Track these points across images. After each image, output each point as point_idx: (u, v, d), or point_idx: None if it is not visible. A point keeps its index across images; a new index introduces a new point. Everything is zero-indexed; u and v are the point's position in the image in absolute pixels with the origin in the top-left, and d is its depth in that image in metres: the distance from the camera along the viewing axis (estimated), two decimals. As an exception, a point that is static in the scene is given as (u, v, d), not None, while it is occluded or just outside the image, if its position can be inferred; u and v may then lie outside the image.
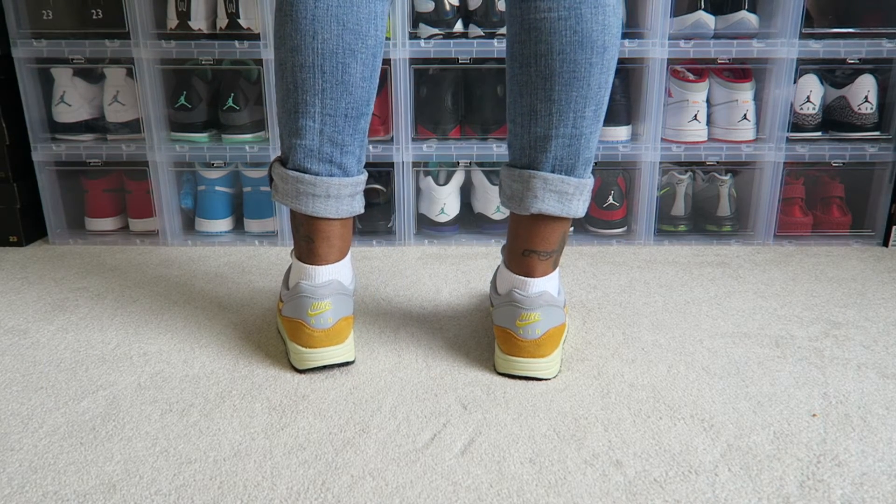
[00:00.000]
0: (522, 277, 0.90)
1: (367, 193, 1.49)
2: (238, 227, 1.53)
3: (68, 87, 1.44)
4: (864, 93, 1.41)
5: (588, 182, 0.90)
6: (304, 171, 0.90)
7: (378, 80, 0.93)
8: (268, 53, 1.38)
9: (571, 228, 1.50)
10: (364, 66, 0.88)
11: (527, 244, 0.90)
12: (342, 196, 0.91)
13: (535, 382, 0.89)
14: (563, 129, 0.86)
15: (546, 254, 0.90)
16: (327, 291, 0.91)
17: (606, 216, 1.48)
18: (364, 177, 0.95)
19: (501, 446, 0.76)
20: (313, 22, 0.84)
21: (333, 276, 0.92)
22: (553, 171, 0.87)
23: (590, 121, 0.86)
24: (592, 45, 0.83)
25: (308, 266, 0.92)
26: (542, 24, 0.83)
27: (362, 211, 0.95)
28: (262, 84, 1.40)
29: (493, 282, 0.98)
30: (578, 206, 0.90)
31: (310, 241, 0.92)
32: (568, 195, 0.88)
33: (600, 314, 1.11)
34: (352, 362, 0.94)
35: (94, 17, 1.41)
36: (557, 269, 0.93)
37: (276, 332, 1.04)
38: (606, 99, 0.87)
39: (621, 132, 1.45)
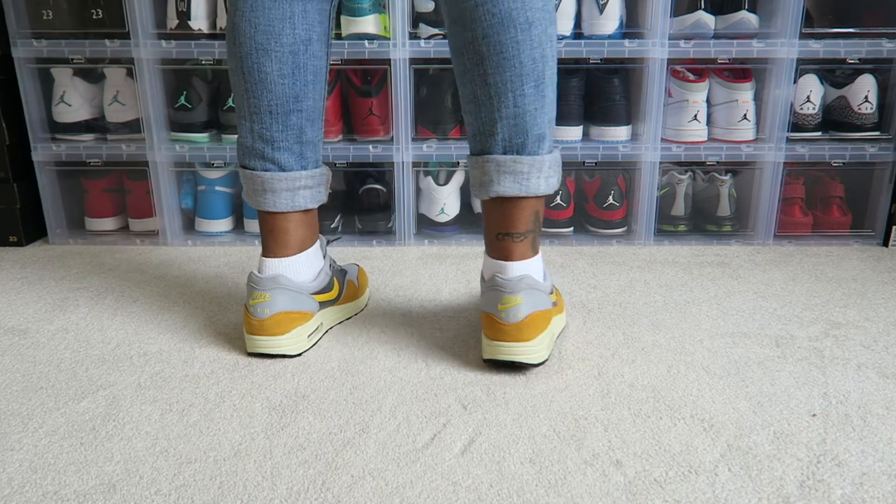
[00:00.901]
0: (501, 262, 0.92)
1: (368, 193, 1.49)
2: (238, 227, 1.53)
3: (68, 87, 1.44)
4: (864, 93, 1.41)
5: (545, 159, 0.90)
6: (245, 168, 0.98)
7: (308, 78, 0.95)
8: (268, 53, 1.38)
9: (571, 229, 1.50)
10: (281, 63, 0.93)
11: (499, 227, 0.92)
12: (278, 190, 0.96)
13: (535, 382, 0.89)
14: (505, 111, 0.87)
15: (519, 235, 0.91)
16: (269, 284, 0.96)
17: (606, 216, 1.48)
18: (307, 173, 0.98)
19: (501, 446, 0.76)
20: (233, 30, 0.93)
21: (280, 271, 0.98)
22: (504, 153, 0.89)
23: (531, 98, 0.87)
24: (514, 22, 0.84)
25: (261, 258, 0.99)
26: (464, 13, 0.86)
27: (309, 207, 0.99)
28: (262, 84, 1.40)
29: (482, 271, 0.99)
30: (539, 184, 0.90)
31: (263, 233, 1.00)
32: (523, 174, 0.89)
33: (600, 314, 1.11)
34: (293, 356, 0.97)
35: (94, 17, 1.41)
36: (539, 254, 0.94)
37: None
38: (550, 73, 0.88)
39: (621, 132, 1.45)
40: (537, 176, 0.89)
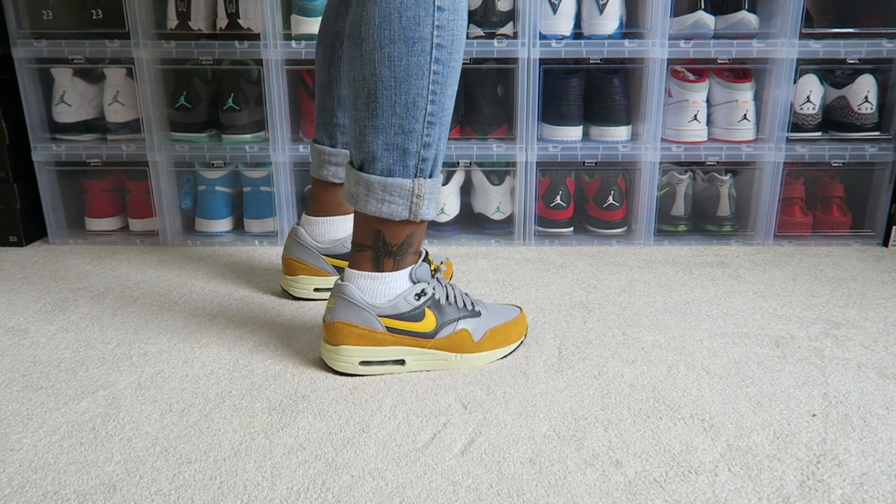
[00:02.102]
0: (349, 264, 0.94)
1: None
2: (238, 227, 1.53)
3: (68, 87, 1.44)
4: (864, 93, 1.41)
5: (373, 180, 0.86)
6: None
7: (344, 69, 1.05)
8: (267, 53, 1.38)
9: (571, 229, 1.50)
10: (324, 53, 1.12)
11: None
12: (314, 159, 1.15)
13: (535, 382, 0.90)
14: (351, 122, 0.88)
15: (357, 245, 0.91)
16: (292, 233, 1.17)
17: (606, 216, 1.48)
18: (333, 150, 1.11)
19: (501, 446, 0.76)
20: None
21: (303, 225, 1.16)
22: (351, 163, 0.91)
23: (363, 113, 0.86)
24: (352, 35, 0.85)
25: None
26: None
27: (332, 181, 1.12)
28: (262, 84, 1.40)
29: None
30: (367, 204, 0.87)
31: None
32: (351, 189, 0.89)
33: (600, 314, 1.11)
34: (293, 297, 1.17)
35: (94, 17, 1.41)
36: (386, 274, 0.90)
37: (277, 333, 1.05)
38: (388, 95, 0.84)
39: (621, 132, 1.45)
40: (365, 195, 0.87)
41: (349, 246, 1.12)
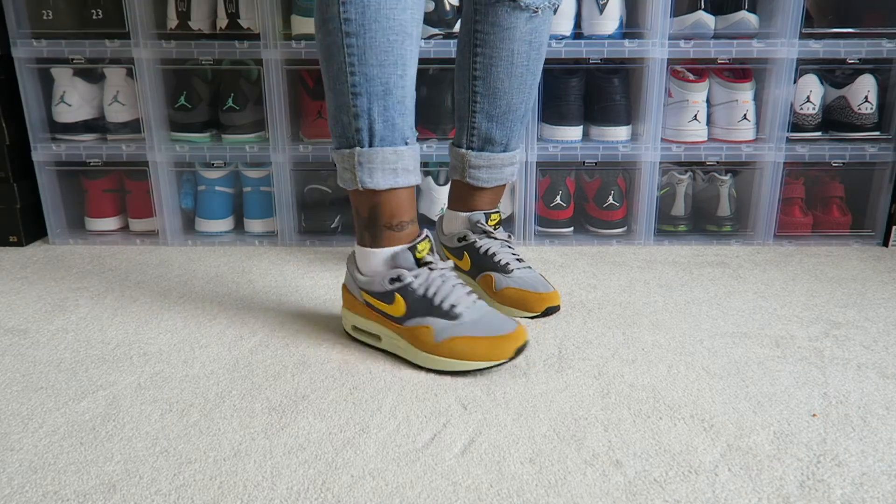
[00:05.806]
0: None
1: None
2: (238, 227, 1.53)
3: (68, 87, 1.44)
4: (864, 93, 1.41)
5: (336, 153, 0.95)
6: None
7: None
8: (267, 53, 1.38)
9: (571, 229, 1.50)
10: None
11: None
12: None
13: (535, 382, 0.89)
14: None
15: None
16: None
17: (606, 216, 1.48)
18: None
19: (501, 446, 0.76)
20: None
21: None
22: None
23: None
24: None
25: None
26: None
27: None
28: (262, 84, 1.40)
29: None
30: (337, 177, 0.98)
31: None
32: None
33: (600, 314, 1.11)
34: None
35: (94, 17, 1.41)
36: (361, 249, 0.97)
37: (277, 333, 1.05)
38: (324, 75, 0.93)
39: (621, 132, 1.45)
40: (335, 169, 0.97)
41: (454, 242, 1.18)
